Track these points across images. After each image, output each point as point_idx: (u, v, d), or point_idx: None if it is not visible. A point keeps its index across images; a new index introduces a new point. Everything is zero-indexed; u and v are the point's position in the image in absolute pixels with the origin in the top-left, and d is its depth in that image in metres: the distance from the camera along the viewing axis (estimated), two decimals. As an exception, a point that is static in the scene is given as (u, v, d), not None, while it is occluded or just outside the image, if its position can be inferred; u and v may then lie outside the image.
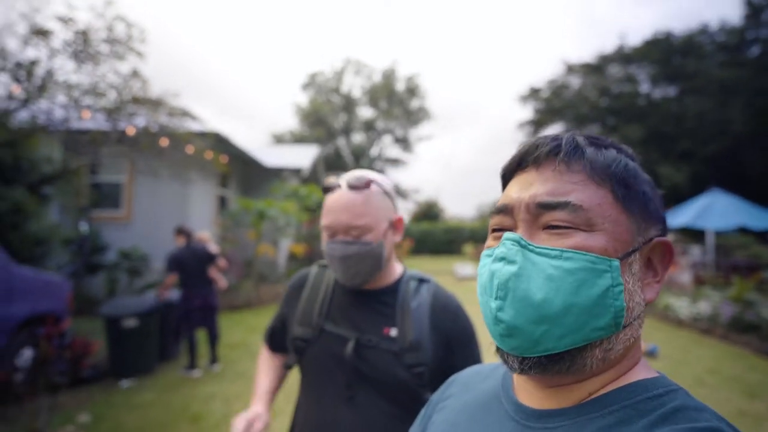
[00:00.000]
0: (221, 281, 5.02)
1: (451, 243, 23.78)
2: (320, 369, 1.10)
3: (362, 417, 1.01)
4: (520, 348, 0.47)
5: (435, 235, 23.92)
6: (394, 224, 1.13)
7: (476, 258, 20.17)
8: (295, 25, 74.97)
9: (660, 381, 0.47)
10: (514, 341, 0.47)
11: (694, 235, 13.33)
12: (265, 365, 1.30)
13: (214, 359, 4.93)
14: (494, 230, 0.53)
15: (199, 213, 8.82)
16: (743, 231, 14.08)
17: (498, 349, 0.51)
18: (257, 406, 1.14)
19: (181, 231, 4.91)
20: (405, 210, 33.35)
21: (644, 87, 25.84)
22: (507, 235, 0.49)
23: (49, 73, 5.12)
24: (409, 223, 27.46)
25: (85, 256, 7.08)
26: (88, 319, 6.20)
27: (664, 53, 24.69)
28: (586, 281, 0.44)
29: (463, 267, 14.84)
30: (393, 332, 1.06)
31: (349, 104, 33.42)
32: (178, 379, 4.56)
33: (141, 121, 5.78)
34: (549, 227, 0.47)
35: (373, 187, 1.08)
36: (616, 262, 0.45)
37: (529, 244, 0.47)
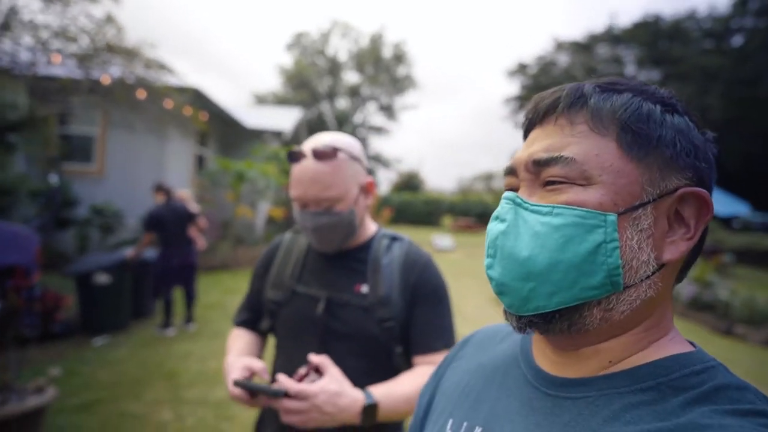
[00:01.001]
0: (200, 241, 4.95)
1: (430, 214, 23.97)
2: (293, 329, 1.11)
3: None
4: (513, 306, 0.46)
5: (415, 205, 24.03)
6: (365, 188, 1.12)
7: (455, 230, 20.47)
8: (280, -21, 71.33)
9: (697, 356, 0.43)
10: (506, 299, 0.46)
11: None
12: (235, 339, 1.21)
13: (189, 318, 4.92)
14: (507, 191, 0.51)
15: (176, 171, 8.56)
16: (710, 216, 14.64)
17: (504, 309, 0.49)
18: (243, 359, 1.02)
19: (161, 188, 4.76)
20: (386, 179, 33.30)
21: (630, 69, 25.97)
22: (505, 194, 0.48)
23: (13, 11, 4.74)
24: (389, 192, 27.47)
25: (55, 210, 6.82)
26: (59, 275, 6.05)
27: (652, 36, 24.75)
28: (575, 237, 0.42)
29: (441, 238, 15.04)
30: (364, 288, 1.08)
31: (334, 68, 32.50)
32: (152, 337, 4.55)
33: (116, 71, 5.47)
34: (547, 183, 0.45)
35: (340, 154, 1.05)
36: (612, 217, 0.42)
37: (524, 202, 0.46)
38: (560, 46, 27.18)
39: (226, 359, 1.11)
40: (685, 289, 7.03)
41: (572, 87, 0.47)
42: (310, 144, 1.06)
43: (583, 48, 26.27)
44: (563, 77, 25.42)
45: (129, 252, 4.62)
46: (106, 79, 5.33)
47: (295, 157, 1.05)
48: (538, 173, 0.46)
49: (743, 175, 21.22)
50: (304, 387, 0.86)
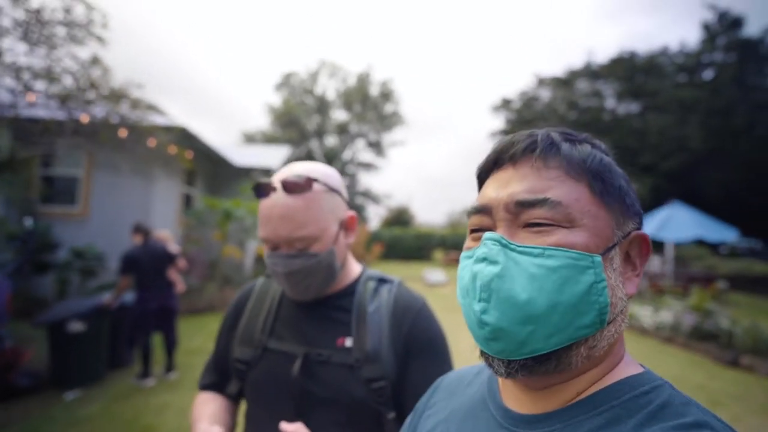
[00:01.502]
0: (180, 283, 4.72)
1: (421, 249, 23.85)
2: (264, 394, 0.94)
3: None
4: (506, 351, 0.45)
5: (405, 240, 23.93)
6: (346, 224, 0.97)
7: (446, 264, 20.29)
8: (270, 23, 74.05)
9: (645, 377, 0.46)
10: (499, 344, 0.45)
11: (653, 245, 13.88)
12: (203, 404, 1.01)
13: (170, 367, 4.62)
14: (473, 231, 0.52)
15: (163, 211, 8.40)
16: (700, 243, 14.76)
17: (482, 353, 0.49)
18: (207, 427, 0.86)
19: (139, 229, 4.56)
20: (376, 215, 33.29)
21: (610, 102, 26.89)
22: (488, 234, 0.47)
23: (-4, 54, 4.70)
24: (380, 228, 27.37)
25: (29, 254, 6.55)
26: (30, 324, 5.72)
27: (628, 71, 25.81)
28: (570, 278, 0.43)
29: (432, 273, 14.85)
30: (348, 342, 0.91)
31: (322, 106, 33.11)
32: (129, 389, 4.23)
33: (100, 111, 5.41)
34: (529, 225, 0.46)
35: (316, 186, 0.90)
36: (599, 258, 0.44)
37: (511, 243, 0.46)
38: (542, 81, 28.15)
39: (193, 427, 0.92)
40: (685, 319, 6.89)
41: (544, 133, 0.50)
42: (280, 175, 0.91)
43: (564, 83, 27.22)
44: (546, 111, 26.18)
45: (106, 298, 4.36)
46: (85, 118, 5.24)
47: (262, 190, 0.90)
48: (519, 214, 0.47)
49: (727, 202, 21.62)
50: None
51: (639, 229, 0.50)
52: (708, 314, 6.79)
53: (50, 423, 3.39)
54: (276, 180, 0.91)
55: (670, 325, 7.12)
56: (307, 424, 0.85)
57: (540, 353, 0.44)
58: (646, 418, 0.41)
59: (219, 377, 1.05)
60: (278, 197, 0.88)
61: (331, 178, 0.96)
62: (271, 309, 1.00)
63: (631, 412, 0.42)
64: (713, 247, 16.81)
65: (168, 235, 4.99)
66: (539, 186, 0.46)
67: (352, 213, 1.00)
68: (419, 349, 0.93)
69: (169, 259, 4.54)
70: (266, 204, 0.90)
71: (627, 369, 0.48)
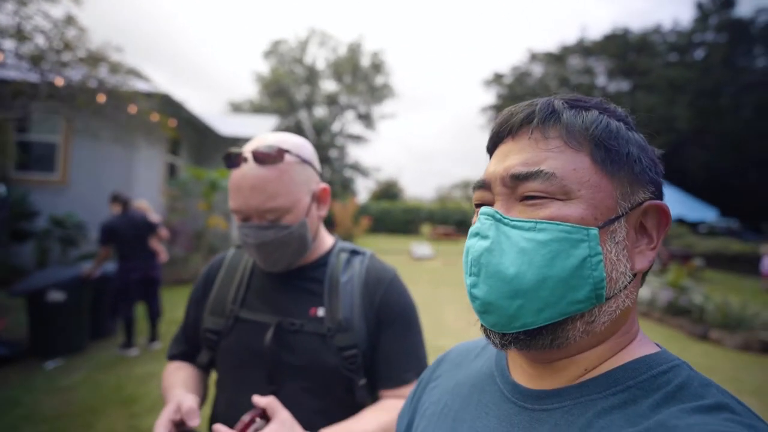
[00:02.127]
0: (162, 253, 4.66)
1: (409, 223, 23.96)
2: (236, 364, 0.94)
3: None
4: (499, 324, 0.45)
5: (393, 214, 23.97)
6: (318, 196, 0.97)
7: (433, 238, 20.46)
8: (257, -12, 71.06)
9: (662, 356, 0.45)
10: (491, 317, 0.45)
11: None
12: (173, 373, 1.01)
13: (153, 337, 4.61)
14: (477, 206, 0.51)
15: (146, 180, 8.22)
16: (680, 222, 15.09)
17: (481, 326, 0.49)
18: (177, 396, 0.83)
19: (117, 198, 4.44)
20: (365, 188, 33.20)
21: (601, 80, 26.78)
22: (483, 209, 0.48)
23: (-40, 9, 4.42)
24: (368, 201, 27.33)
25: (4, 222, 6.37)
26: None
27: (621, 49, 25.63)
28: (561, 252, 0.43)
29: (419, 247, 14.98)
30: (320, 312, 0.93)
31: (312, 76, 32.31)
32: (112, 359, 4.23)
33: (76, 74, 5.17)
34: (525, 198, 0.45)
35: (287, 157, 0.90)
36: (595, 231, 0.43)
37: (504, 218, 0.46)
38: (534, 57, 27.83)
39: (166, 395, 0.91)
40: (662, 294, 7.10)
41: (544, 102, 0.48)
42: (251, 146, 0.90)
43: (556, 59, 26.96)
44: (538, 87, 26.01)
45: (86, 268, 4.29)
46: (59, 81, 5.01)
47: (233, 161, 0.88)
48: (515, 188, 0.46)
49: (709, 182, 22.04)
50: None
51: (656, 198, 0.47)
52: (683, 290, 7.01)
53: (30, 392, 3.38)
54: (247, 150, 0.89)
55: (647, 300, 7.34)
56: (280, 392, 0.86)
57: (531, 327, 0.44)
58: (664, 398, 0.40)
59: (188, 347, 1.05)
60: (249, 168, 0.87)
61: (303, 149, 0.94)
62: (242, 279, 1.00)
63: (647, 392, 0.41)
64: (693, 226, 17.20)
65: (147, 205, 4.89)
66: (535, 158, 0.45)
67: (324, 185, 0.99)
68: (391, 319, 0.95)
69: (149, 228, 4.47)
70: (237, 174, 0.88)
71: (642, 348, 0.46)
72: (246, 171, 0.87)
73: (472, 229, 0.48)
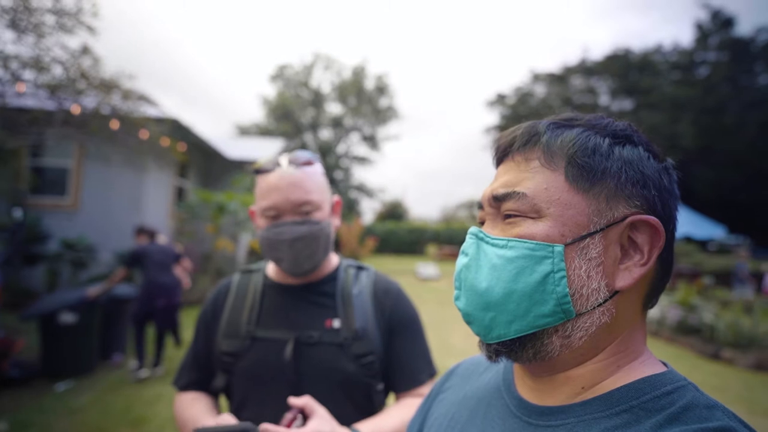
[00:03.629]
0: (186, 279, 4.80)
1: (414, 243, 23.90)
2: (256, 382, 0.96)
3: None
4: (481, 334, 0.49)
5: (399, 234, 23.96)
6: (333, 207, 1.07)
7: (439, 259, 20.37)
8: (265, 14, 73.27)
9: (668, 376, 0.44)
10: (474, 327, 0.49)
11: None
12: (190, 405, 1.01)
13: (157, 362, 4.60)
14: (476, 225, 0.55)
15: (155, 203, 8.35)
16: (688, 240, 14.96)
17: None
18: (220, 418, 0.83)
19: (143, 230, 4.67)
20: (370, 209, 33.30)
21: (603, 99, 27.01)
22: (470, 229, 0.52)
23: (-18, 42, 4.63)
24: (373, 222, 27.38)
25: (18, 245, 6.50)
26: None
27: (623, 68, 25.92)
28: (525, 268, 0.44)
29: (425, 267, 14.91)
30: (336, 323, 0.98)
31: (317, 99, 32.92)
32: (120, 380, 4.24)
33: (91, 101, 5.36)
34: (506, 217, 0.48)
35: (316, 165, 1.03)
36: (560, 248, 0.44)
37: (486, 237, 0.49)
38: (537, 77, 28.21)
39: (187, 428, 0.93)
40: (671, 313, 7.02)
41: (528, 125, 0.50)
42: (282, 157, 1.00)
43: (559, 79, 27.30)
44: (541, 107, 26.26)
45: (92, 289, 4.33)
46: (76, 109, 5.19)
47: (267, 167, 0.98)
48: (498, 207, 0.49)
49: (716, 199, 21.90)
50: None
51: (649, 212, 0.45)
52: (692, 309, 6.93)
53: (42, 413, 3.40)
54: (280, 160, 0.99)
55: (656, 319, 7.25)
56: None
57: (505, 339, 0.46)
58: (667, 419, 0.39)
59: (201, 374, 1.06)
60: (286, 169, 0.97)
61: (321, 164, 1.06)
62: (254, 300, 1.04)
63: (650, 412, 0.41)
64: (701, 244, 17.04)
65: (165, 238, 5.10)
66: (515, 179, 0.48)
67: (337, 197, 1.09)
68: (403, 325, 1.04)
69: (176, 257, 4.68)
70: (273, 176, 0.97)
71: (647, 367, 0.46)
72: (282, 172, 0.97)
73: (461, 247, 0.52)
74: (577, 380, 0.46)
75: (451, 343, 6.16)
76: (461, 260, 0.50)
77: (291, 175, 0.96)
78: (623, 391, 0.44)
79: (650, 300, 0.48)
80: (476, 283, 0.47)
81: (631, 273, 0.45)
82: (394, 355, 1.01)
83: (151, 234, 4.68)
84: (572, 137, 0.47)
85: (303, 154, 1.00)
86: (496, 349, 0.48)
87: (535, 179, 0.47)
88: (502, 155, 0.52)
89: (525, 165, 0.48)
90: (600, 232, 0.45)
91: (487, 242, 0.48)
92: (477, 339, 0.52)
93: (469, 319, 0.49)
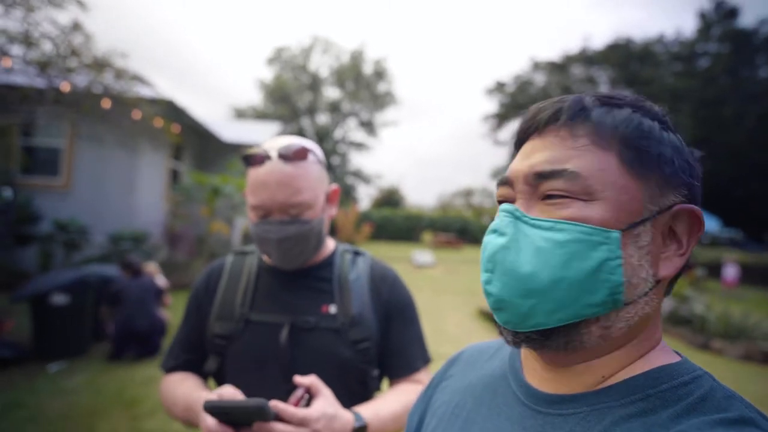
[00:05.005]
0: (165, 319, 4.70)
1: (410, 230, 23.90)
2: (249, 366, 0.94)
3: None
4: (511, 322, 0.45)
5: (395, 221, 23.95)
6: (330, 196, 1.03)
7: (435, 246, 20.44)
8: (262, -4, 71.83)
9: (684, 366, 0.43)
10: (504, 315, 0.45)
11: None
12: (179, 383, 0.99)
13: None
14: (499, 202, 0.50)
15: (149, 185, 8.28)
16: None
17: (495, 322, 0.48)
18: (216, 391, 0.83)
19: (129, 266, 4.48)
20: (367, 195, 33.25)
21: (603, 89, 26.88)
22: (503, 206, 0.47)
23: (-31, 16, 4.49)
24: (370, 208, 27.35)
25: (9, 225, 6.42)
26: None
27: (624, 58, 25.74)
28: (578, 254, 0.41)
29: (421, 254, 14.96)
30: (332, 309, 0.97)
31: (315, 83, 32.55)
32: (113, 362, 4.24)
33: (82, 80, 5.24)
34: (547, 197, 0.44)
35: (310, 156, 0.95)
36: (616, 234, 0.41)
37: (524, 215, 0.45)
38: (537, 65, 28.00)
39: (179, 404, 0.91)
40: (663, 303, 7.09)
41: (574, 99, 0.46)
42: (273, 145, 0.93)
43: (559, 68, 27.10)
44: (540, 95, 26.12)
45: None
46: (66, 87, 5.07)
47: (256, 159, 0.91)
48: (538, 186, 0.45)
49: (711, 192, 22.01)
50: (307, 412, 0.76)
51: (689, 202, 0.45)
52: (684, 300, 7.00)
53: (34, 394, 3.40)
54: (269, 149, 0.92)
55: (648, 310, 7.33)
56: (296, 388, 0.88)
57: (544, 328, 0.43)
58: (685, 409, 0.39)
59: (190, 356, 1.03)
60: (275, 164, 0.91)
61: (319, 150, 1.01)
62: (249, 283, 1.01)
63: (668, 402, 0.40)
64: (695, 236, 17.17)
65: (155, 267, 4.96)
66: (561, 156, 0.44)
67: (335, 186, 1.05)
68: (399, 311, 1.03)
69: (157, 293, 4.53)
70: (262, 171, 0.91)
71: (663, 356, 0.45)
72: (272, 168, 0.90)
73: (491, 226, 0.47)
74: (599, 369, 0.45)
75: (446, 330, 6.20)
76: (496, 240, 0.45)
77: (280, 171, 0.90)
78: (639, 379, 0.43)
79: (670, 289, 0.47)
80: (517, 267, 0.43)
81: (672, 263, 0.44)
82: (390, 341, 1.00)
83: (135, 270, 4.46)
84: (625, 117, 0.45)
85: (296, 145, 0.92)
86: (527, 337, 0.44)
87: (586, 158, 0.43)
88: (539, 128, 0.47)
89: (571, 141, 0.44)
90: (651, 220, 0.43)
91: (528, 222, 0.44)
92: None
93: (501, 305, 0.45)
